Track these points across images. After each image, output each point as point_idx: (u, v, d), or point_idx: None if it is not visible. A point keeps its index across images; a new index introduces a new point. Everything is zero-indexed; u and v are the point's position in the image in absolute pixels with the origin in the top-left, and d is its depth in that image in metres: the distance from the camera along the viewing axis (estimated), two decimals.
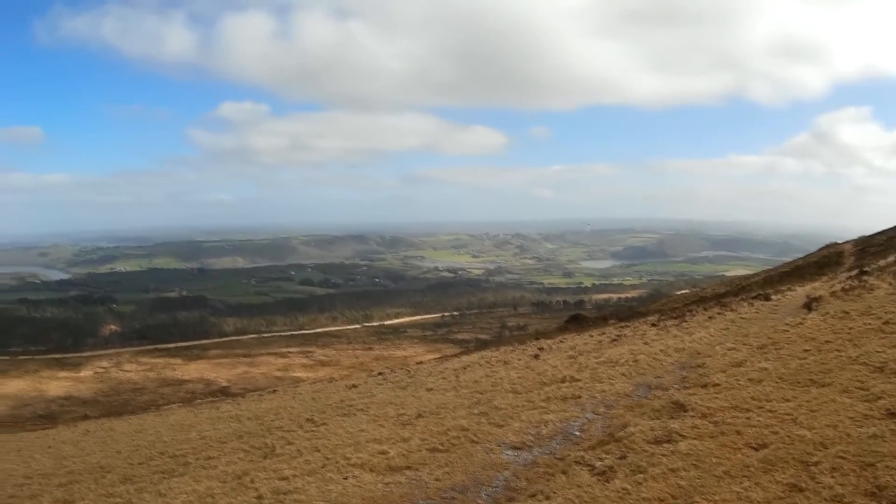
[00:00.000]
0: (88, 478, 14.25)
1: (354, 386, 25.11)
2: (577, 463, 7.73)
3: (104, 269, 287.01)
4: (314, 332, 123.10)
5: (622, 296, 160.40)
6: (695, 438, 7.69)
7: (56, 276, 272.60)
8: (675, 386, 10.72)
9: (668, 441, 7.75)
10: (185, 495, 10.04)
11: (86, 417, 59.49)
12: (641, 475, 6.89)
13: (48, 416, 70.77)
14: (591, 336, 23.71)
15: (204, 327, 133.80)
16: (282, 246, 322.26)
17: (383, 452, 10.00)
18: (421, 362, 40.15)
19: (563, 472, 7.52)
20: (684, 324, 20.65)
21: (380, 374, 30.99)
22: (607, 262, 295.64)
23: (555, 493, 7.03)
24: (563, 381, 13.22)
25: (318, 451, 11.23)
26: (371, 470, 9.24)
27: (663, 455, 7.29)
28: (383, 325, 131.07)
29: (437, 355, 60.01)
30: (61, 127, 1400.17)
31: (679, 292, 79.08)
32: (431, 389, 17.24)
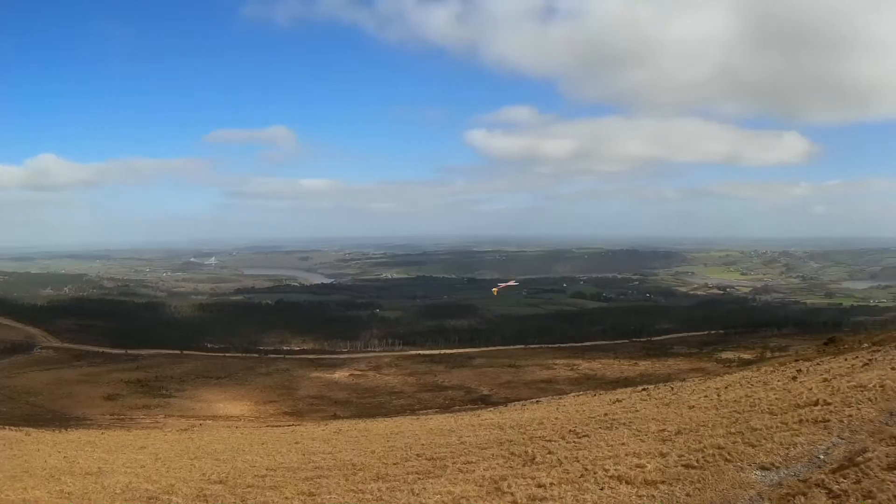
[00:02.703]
0: (338, 474, 13.87)
1: (619, 400, 25.59)
2: (817, 486, 8.12)
3: (370, 275, 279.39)
4: (581, 346, 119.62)
5: (877, 318, 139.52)
6: None
7: (317, 280, 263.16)
8: None
9: None
10: (439, 496, 10.10)
11: (336, 417, 62.11)
12: (870, 500, 7.34)
13: (294, 413, 72.19)
14: (846, 359, 22.47)
15: (470, 336, 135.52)
16: (555, 258, 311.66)
17: (641, 466, 10.30)
18: (683, 380, 39.32)
19: (803, 495, 7.96)
20: None
21: (643, 389, 31.41)
22: (865, 282, 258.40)
23: None
24: (815, 404, 13.43)
25: (578, 461, 11.54)
26: (627, 482, 9.53)
27: (892, 481, 7.64)
28: (650, 340, 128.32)
29: (699, 374, 57.42)
30: (315, 129, 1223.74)
31: None
32: (693, 407, 17.59)
